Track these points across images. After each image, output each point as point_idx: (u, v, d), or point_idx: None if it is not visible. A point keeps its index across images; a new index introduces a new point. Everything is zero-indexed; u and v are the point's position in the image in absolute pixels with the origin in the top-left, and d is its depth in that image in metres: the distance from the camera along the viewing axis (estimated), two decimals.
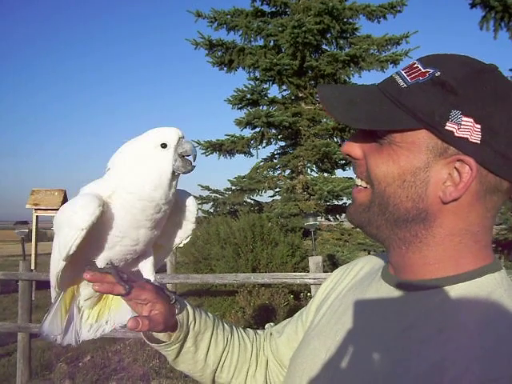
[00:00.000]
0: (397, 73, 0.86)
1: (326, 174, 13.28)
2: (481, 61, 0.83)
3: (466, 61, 0.82)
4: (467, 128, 0.76)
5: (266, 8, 13.98)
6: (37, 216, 12.94)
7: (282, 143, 14.00)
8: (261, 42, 13.71)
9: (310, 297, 6.89)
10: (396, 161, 0.82)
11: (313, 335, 1.02)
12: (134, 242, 1.04)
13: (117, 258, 1.06)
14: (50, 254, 1.05)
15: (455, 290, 0.80)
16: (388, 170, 0.83)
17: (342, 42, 13.69)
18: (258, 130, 13.30)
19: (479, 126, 0.76)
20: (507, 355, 0.68)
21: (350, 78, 13.25)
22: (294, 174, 13.40)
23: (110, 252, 1.04)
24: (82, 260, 1.04)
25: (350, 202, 0.95)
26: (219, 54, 13.71)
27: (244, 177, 13.36)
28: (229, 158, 13.80)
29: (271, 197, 13.62)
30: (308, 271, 5.70)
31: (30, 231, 12.75)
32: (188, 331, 1.11)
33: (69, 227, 0.97)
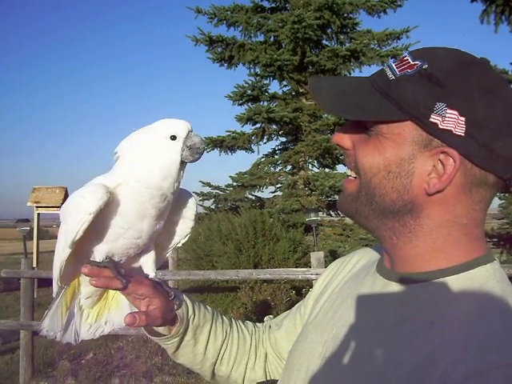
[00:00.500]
0: (387, 65, 0.87)
1: (327, 170, 13.27)
2: (471, 54, 0.83)
3: (454, 54, 0.83)
4: (451, 120, 0.76)
5: (265, 4, 13.95)
6: (38, 214, 12.94)
7: (283, 139, 14.01)
8: (261, 38, 13.68)
9: None
10: (382, 152, 0.83)
11: (310, 329, 1.02)
12: (137, 235, 1.05)
13: (119, 251, 1.07)
14: (52, 251, 1.06)
15: (447, 283, 0.80)
16: (374, 161, 0.84)
17: (342, 37, 13.66)
18: (258, 125, 13.28)
19: (463, 119, 0.76)
20: (498, 346, 0.69)
21: (350, 73, 13.21)
22: (295, 170, 13.39)
23: (113, 245, 1.05)
24: (85, 254, 1.06)
25: None
26: (219, 50, 13.67)
27: (245, 173, 13.35)
28: (230, 154, 13.79)
29: (272, 193, 13.62)
30: (310, 267, 5.70)
31: (32, 229, 12.76)
32: (188, 325, 1.12)
33: (77, 212, 0.99)
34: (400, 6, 13.49)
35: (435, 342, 0.73)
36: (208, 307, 1.21)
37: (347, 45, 13.33)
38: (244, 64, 13.58)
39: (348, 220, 13.08)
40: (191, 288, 10.51)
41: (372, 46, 13.17)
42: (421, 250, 0.84)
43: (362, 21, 13.60)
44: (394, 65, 0.84)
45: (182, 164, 1.03)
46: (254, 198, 13.54)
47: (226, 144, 13.36)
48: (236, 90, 13.34)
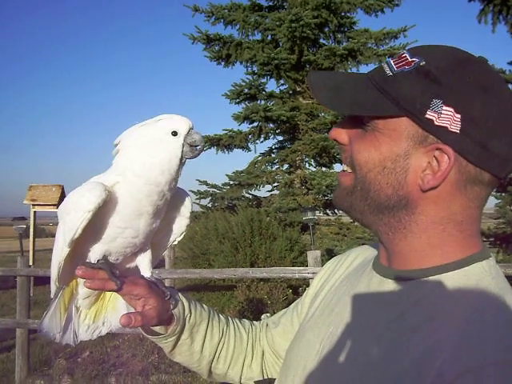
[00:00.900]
0: (385, 61, 0.87)
1: (324, 169, 13.30)
2: (468, 52, 0.84)
3: (452, 51, 0.83)
4: (447, 117, 0.77)
5: (263, 2, 13.96)
6: (34, 212, 12.91)
7: (280, 138, 14.02)
8: (258, 37, 13.70)
9: None
10: (377, 147, 0.83)
11: (307, 327, 1.03)
12: (134, 234, 1.05)
13: (117, 251, 1.07)
14: (48, 249, 1.06)
15: (443, 280, 0.80)
16: (369, 156, 0.84)
17: (339, 35, 13.68)
18: (255, 124, 13.30)
19: (459, 116, 0.76)
20: (493, 343, 0.69)
21: None
22: (292, 169, 13.40)
23: (111, 245, 1.05)
24: (82, 255, 1.06)
25: None
26: (217, 48, 13.68)
27: (242, 171, 13.36)
28: (227, 152, 13.79)
29: (269, 191, 13.64)
30: (306, 266, 5.71)
31: (28, 227, 12.73)
32: (184, 324, 1.12)
33: (75, 210, 0.99)
34: (397, 5, 13.52)
35: (431, 339, 0.73)
36: (204, 306, 1.21)
37: (344, 44, 13.35)
38: (241, 62, 13.59)
39: (345, 219, 13.10)
40: (188, 286, 10.51)
41: (369, 45, 13.18)
42: (416, 246, 0.84)
43: (359, 20, 13.66)
44: (392, 61, 0.84)
45: (181, 161, 1.03)
46: (250, 196, 13.55)
47: (223, 142, 13.36)
48: (233, 88, 13.35)
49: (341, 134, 0.90)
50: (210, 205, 13.41)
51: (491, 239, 10.77)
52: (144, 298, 1.04)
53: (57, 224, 1.09)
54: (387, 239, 0.88)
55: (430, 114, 0.77)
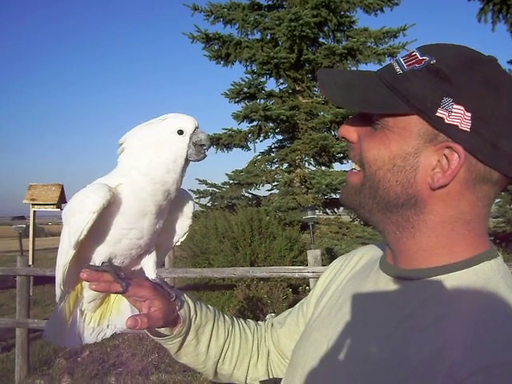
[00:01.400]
0: (395, 60, 0.86)
1: (323, 168, 13.30)
2: (479, 51, 0.83)
3: (462, 50, 0.83)
4: (458, 115, 0.77)
5: (262, 1, 13.97)
6: (34, 211, 12.89)
7: (280, 137, 14.03)
8: (258, 36, 13.70)
9: (309, 290, 6.90)
10: (387, 145, 0.83)
11: (314, 326, 1.02)
12: (139, 235, 1.04)
13: (122, 253, 1.06)
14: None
15: (452, 279, 0.80)
16: (379, 154, 0.84)
17: (339, 35, 13.68)
18: (255, 123, 13.30)
19: (470, 115, 0.76)
20: (504, 342, 0.69)
21: None
22: (291, 168, 13.40)
23: (117, 247, 1.05)
24: (87, 258, 1.05)
25: None
26: (216, 47, 13.68)
27: (241, 171, 13.35)
28: (226, 151, 13.79)
29: (269, 190, 13.64)
30: (306, 265, 5.70)
31: (28, 226, 12.72)
32: (190, 325, 1.12)
33: (80, 212, 0.98)
34: (397, 4, 13.52)
35: (441, 339, 0.73)
36: (210, 306, 1.20)
37: (344, 43, 13.35)
38: (240, 62, 13.59)
39: (344, 218, 13.10)
40: (187, 286, 10.51)
41: (369, 44, 13.19)
42: (424, 245, 0.84)
43: (358, 19, 13.68)
44: (402, 59, 0.84)
45: (187, 160, 1.03)
46: (250, 195, 13.56)
47: (223, 142, 13.36)
48: (232, 87, 13.34)
49: (350, 132, 0.90)
50: (209, 204, 13.41)
51: (491, 238, 10.73)
52: (149, 299, 1.04)
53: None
54: (394, 238, 0.87)
55: (440, 112, 0.77)
